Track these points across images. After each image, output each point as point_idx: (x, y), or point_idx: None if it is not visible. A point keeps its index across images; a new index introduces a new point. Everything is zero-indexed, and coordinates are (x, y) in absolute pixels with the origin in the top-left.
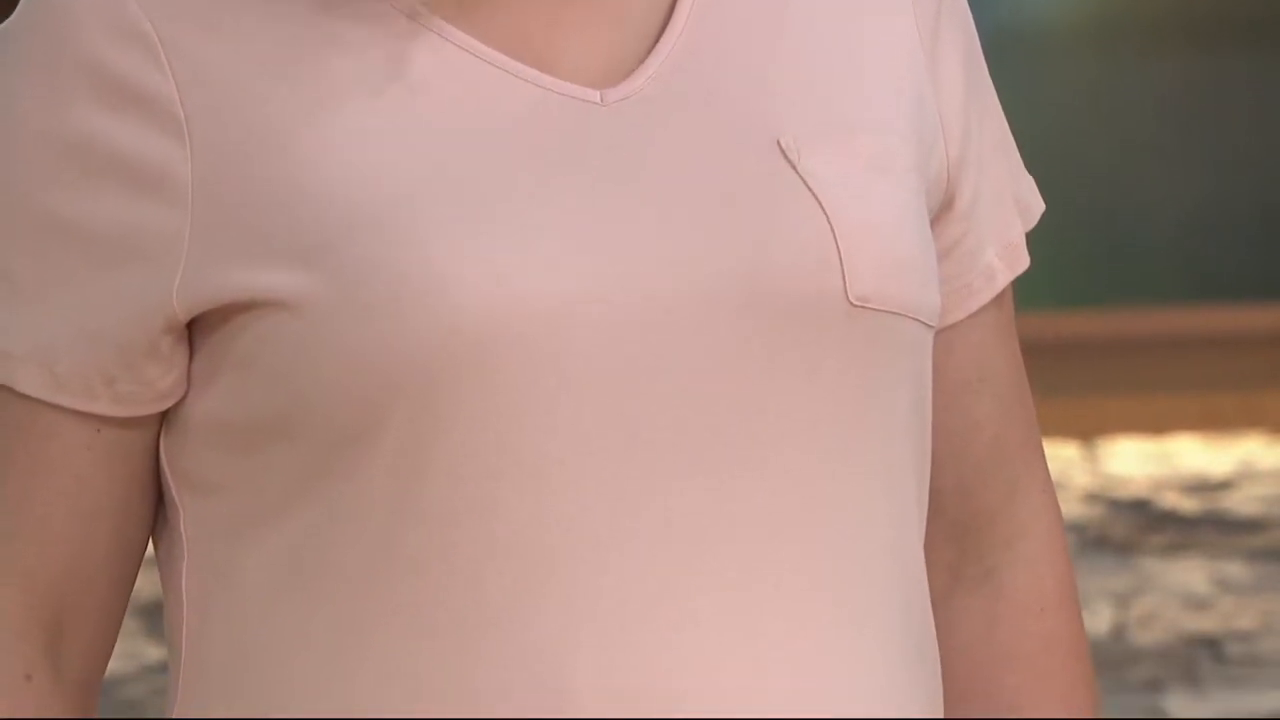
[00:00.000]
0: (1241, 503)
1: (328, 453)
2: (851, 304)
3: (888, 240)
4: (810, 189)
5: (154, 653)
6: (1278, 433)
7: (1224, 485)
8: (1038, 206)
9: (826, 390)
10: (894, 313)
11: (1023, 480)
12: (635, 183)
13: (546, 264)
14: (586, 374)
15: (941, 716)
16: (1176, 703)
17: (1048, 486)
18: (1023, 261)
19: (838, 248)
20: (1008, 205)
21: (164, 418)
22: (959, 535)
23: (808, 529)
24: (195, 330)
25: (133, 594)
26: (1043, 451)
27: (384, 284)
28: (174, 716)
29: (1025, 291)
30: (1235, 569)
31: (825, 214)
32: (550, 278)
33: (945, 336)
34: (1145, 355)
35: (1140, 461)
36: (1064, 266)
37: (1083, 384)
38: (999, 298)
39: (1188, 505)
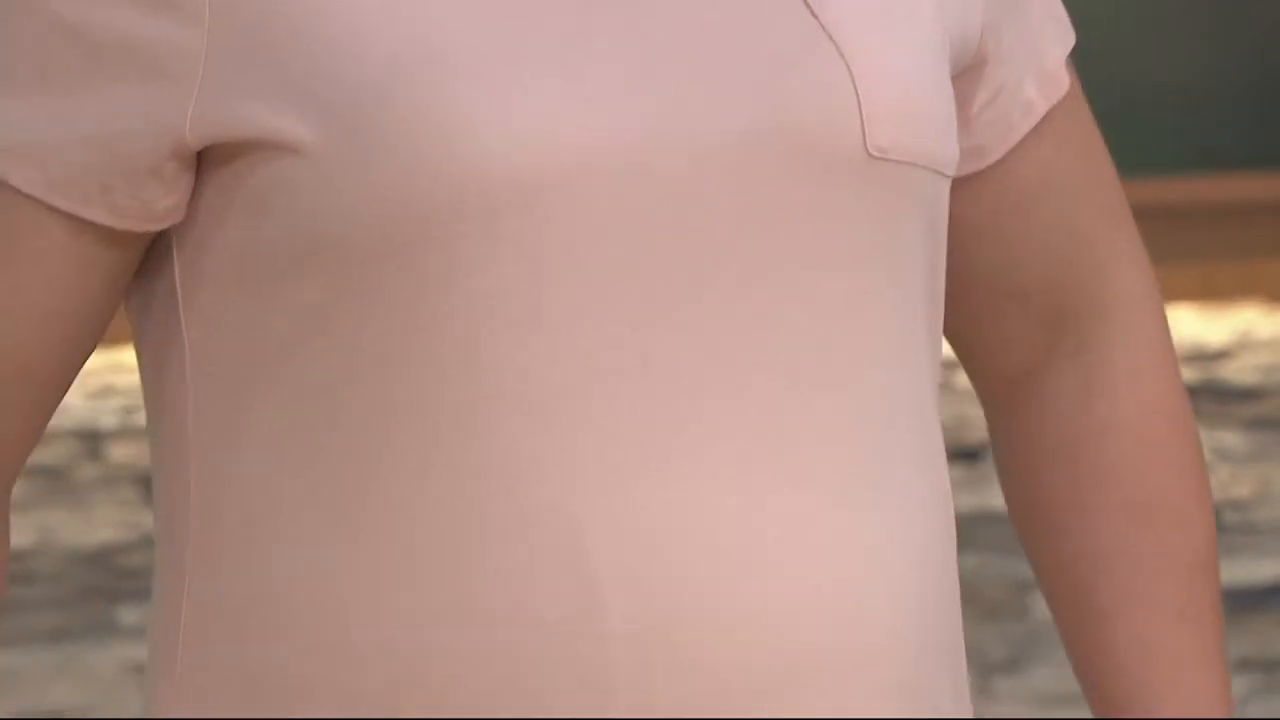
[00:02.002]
0: (1238, 372)
1: (338, 294)
2: (870, 155)
3: (907, 92)
4: (832, 39)
5: (152, 522)
6: (1275, 302)
7: (1221, 355)
8: (1070, 36)
9: (843, 239)
10: (911, 164)
11: (1107, 261)
12: (658, 30)
13: (570, 110)
14: (606, 220)
15: (954, 565)
16: None
17: (1137, 260)
18: (1061, 86)
19: (858, 99)
20: (1044, 35)
21: (171, 248)
22: (1049, 320)
23: (819, 374)
24: (205, 161)
25: (133, 462)
26: (1133, 228)
27: (405, 125)
28: (189, 567)
29: None
30: (1232, 438)
31: (846, 65)
32: (574, 124)
33: (1000, 164)
34: (1143, 225)
35: None
36: None
37: None
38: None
39: (1185, 375)
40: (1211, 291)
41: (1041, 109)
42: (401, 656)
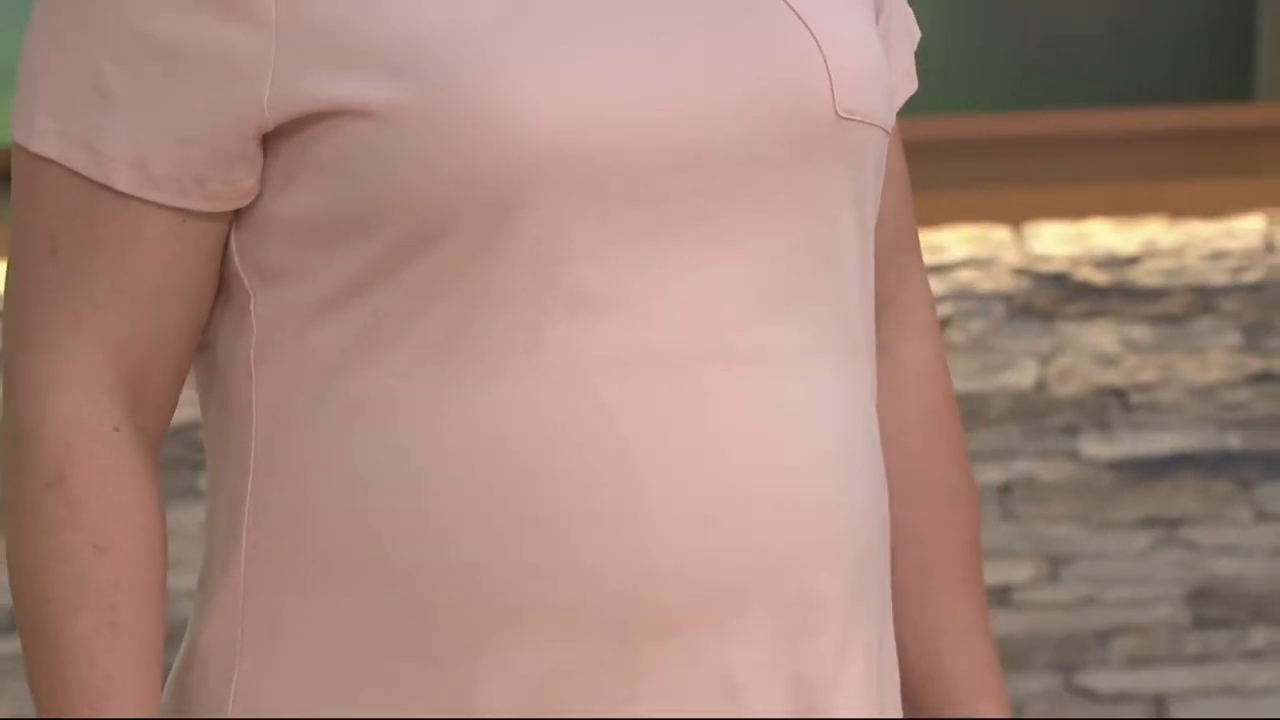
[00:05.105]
0: (1145, 275)
1: (404, 246)
2: (839, 116)
3: (863, 60)
4: (801, 19)
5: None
6: (1177, 216)
7: (1130, 261)
8: (917, 33)
9: (818, 189)
10: (869, 123)
11: (909, 267)
12: (662, 14)
13: (606, 89)
14: (633, 179)
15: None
16: (1089, 444)
17: (924, 272)
18: (913, 84)
19: (828, 69)
20: (906, 34)
21: (237, 215)
22: None
23: (811, 287)
24: (274, 135)
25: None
26: (920, 242)
27: (461, 101)
28: (250, 478)
29: (964, 94)
30: (1139, 331)
31: (815, 40)
32: (609, 102)
33: None
34: (1066, 151)
35: (1060, 242)
36: (998, 72)
37: (1013, 176)
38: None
39: (1100, 278)
40: (1123, 208)
41: (902, 98)
42: (452, 552)
